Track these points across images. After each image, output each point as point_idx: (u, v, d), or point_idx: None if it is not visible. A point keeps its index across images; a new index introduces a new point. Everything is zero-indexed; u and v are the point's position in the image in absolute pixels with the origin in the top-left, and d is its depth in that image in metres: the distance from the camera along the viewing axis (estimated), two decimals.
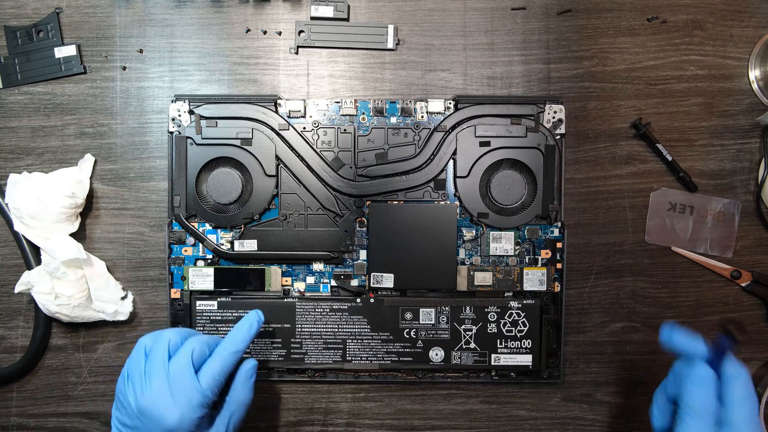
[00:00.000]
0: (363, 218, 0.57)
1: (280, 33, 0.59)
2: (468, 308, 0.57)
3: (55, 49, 0.58)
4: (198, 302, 0.57)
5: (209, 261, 0.58)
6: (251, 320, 0.50)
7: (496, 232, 0.58)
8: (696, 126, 0.59)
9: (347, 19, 0.59)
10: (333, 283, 0.58)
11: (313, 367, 0.57)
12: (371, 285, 0.57)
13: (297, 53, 0.59)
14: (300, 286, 0.58)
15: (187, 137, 0.56)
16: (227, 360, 0.47)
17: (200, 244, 0.57)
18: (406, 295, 0.57)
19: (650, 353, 0.60)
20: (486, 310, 0.57)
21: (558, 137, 0.57)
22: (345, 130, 0.57)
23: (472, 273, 0.57)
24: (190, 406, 0.43)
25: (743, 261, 0.59)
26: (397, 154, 0.57)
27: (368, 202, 0.57)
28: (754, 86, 0.59)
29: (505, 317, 0.57)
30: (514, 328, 0.57)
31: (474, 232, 0.58)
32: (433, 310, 0.57)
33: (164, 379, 0.44)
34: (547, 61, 0.59)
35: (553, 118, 0.57)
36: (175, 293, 0.57)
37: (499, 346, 0.57)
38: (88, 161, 0.58)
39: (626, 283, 0.59)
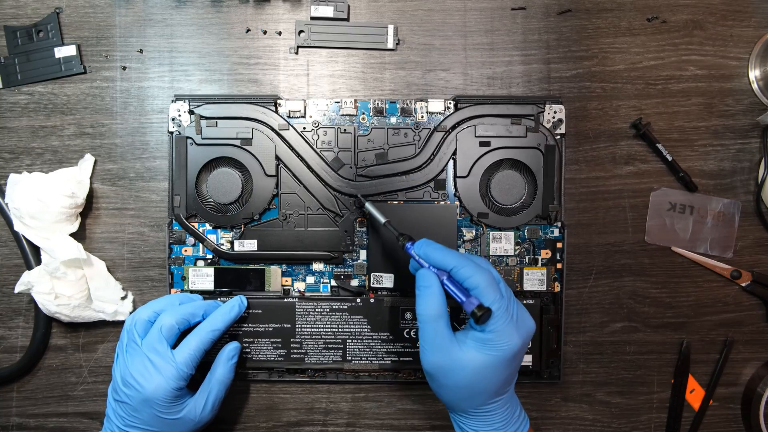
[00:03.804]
0: (363, 218, 0.57)
1: (280, 33, 0.59)
2: None
3: (55, 49, 0.58)
4: None
5: (209, 261, 0.58)
6: (233, 303, 0.54)
7: (496, 232, 0.58)
8: (696, 126, 0.59)
9: (347, 19, 0.59)
10: (333, 283, 0.58)
11: (313, 367, 0.57)
12: (371, 285, 0.57)
13: (297, 53, 0.59)
14: (300, 286, 0.58)
15: (187, 137, 0.56)
16: (204, 338, 0.50)
17: (200, 244, 0.57)
18: (406, 295, 0.57)
19: (650, 353, 0.60)
20: None
21: (558, 137, 0.57)
22: (345, 130, 0.57)
23: None
24: (164, 377, 0.48)
25: (743, 261, 0.59)
26: (397, 154, 0.57)
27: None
28: (754, 86, 0.59)
29: None
30: None
31: (474, 232, 0.58)
32: None
33: (140, 353, 0.48)
34: (547, 61, 0.59)
35: (553, 118, 0.57)
36: (175, 293, 0.57)
37: None
38: (88, 161, 0.58)
39: (626, 283, 0.59)
